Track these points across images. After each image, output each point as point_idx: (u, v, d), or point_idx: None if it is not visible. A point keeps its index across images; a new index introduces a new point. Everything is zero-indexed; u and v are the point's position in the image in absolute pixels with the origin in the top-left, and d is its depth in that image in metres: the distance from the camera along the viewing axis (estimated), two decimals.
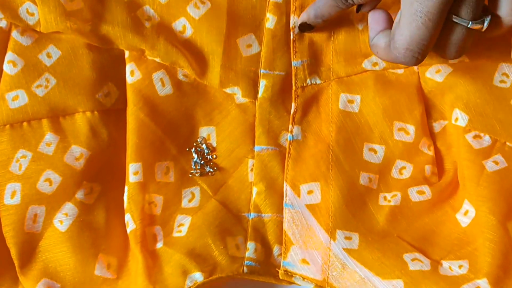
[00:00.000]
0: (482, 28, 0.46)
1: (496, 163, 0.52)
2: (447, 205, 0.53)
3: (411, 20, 0.44)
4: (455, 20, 0.45)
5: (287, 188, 0.54)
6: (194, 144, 0.55)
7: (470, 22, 0.45)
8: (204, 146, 0.55)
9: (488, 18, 0.46)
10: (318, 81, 0.56)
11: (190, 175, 0.54)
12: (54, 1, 0.52)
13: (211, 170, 0.55)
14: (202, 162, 0.55)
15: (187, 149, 0.55)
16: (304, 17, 0.54)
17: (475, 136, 0.53)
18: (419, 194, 0.53)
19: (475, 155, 0.52)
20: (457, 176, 0.53)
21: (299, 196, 0.53)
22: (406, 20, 0.45)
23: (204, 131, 0.55)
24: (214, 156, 0.55)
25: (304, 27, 0.54)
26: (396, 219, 0.53)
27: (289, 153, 0.54)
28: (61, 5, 0.52)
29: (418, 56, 0.46)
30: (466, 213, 0.52)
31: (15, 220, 0.51)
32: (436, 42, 0.46)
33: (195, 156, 0.55)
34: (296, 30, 0.55)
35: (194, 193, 0.54)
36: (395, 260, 0.50)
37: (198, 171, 0.55)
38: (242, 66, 0.55)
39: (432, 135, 0.55)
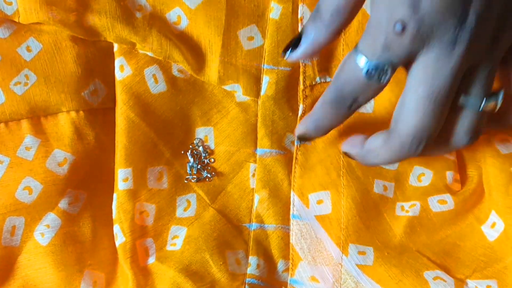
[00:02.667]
0: (496, 106, 0.42)
1: None
2: (471, 216, 0.50)
3: (417, 106, 0.40)
4: (463, 102, 0.41)
5: (294, 198, 0.50)
6: (190, 146, 0.52)
7: (484, 101, 0.41)
8: (201, 148, 0.52)
9: (501, 94, 0.41)
10: (329, 79, 0.52)
11: (186, 181, 0.52)
12: None
13: (209, 175, 0.52)
14: (198, 167, 0.52)
15: (182, 152, 0.52)
16: (302, 130, 0.48)
17: (503, 140, 0.49)
18: (441, 203, 0.50)
19: (503, 161, 0.48)
20: (482, 183, 0.50)
21: (307, 206, 0.50)
22: (412, 106, 0.40)
23: (201, 132, 0.52)
24: (212, 160, 0.52)
25: (305, 139, 0.49)
26: (415, 231, 0.49)
27: (296, 158, 0.51)
28: None
29: (425, 145, 0.41)
30: (493, 225, 0.49)
31: None
32: (442, 129, 0.42)
33: (191, 159, 0.52)
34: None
35: (190, 201, 0.52)
36: (415, 279, 0.47)
37: (195, 176, 0.52)
38: (243, 61, 0.52)
39: None
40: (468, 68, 0.39)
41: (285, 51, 0.44)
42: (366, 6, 0.50)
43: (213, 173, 0.52)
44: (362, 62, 0.39)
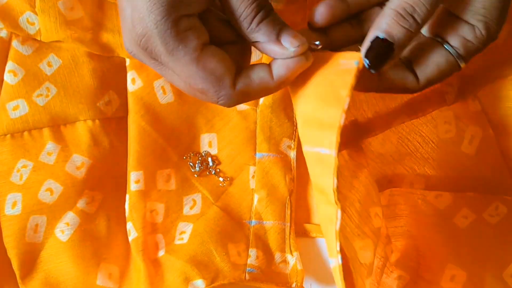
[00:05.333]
0: None
1: None
2: None
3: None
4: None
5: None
6: (199, 158, 0.53)
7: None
8: (210, 159, 0.53)
9: None
10: None
11: (196, 176, 0.53)
12: (54, 10, 0.50)
13: (218, 176, 0.54)
14: (207, 173, 0.54)
15: (184, 158, 0.53)
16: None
17: None
18: None
19: None
20: None
21: None
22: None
23: (205, 138, 0.54)
24: (218, 170, 0.53)
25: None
26: None
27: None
28: (62, 14, 0.50)
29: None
30: None
31: (16, 231, 0.50)
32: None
33: (198, 167, 0.53)
34: None
35: (195, 200, 0.53)
36: None
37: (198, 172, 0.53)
38: None
39: None
40: None
41: (375, 65, 0.37)
42: None
43: (219, 173, 0.53)
44: None
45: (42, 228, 0.50)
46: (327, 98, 0.37)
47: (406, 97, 0.50)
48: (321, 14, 0.41)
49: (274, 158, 0.53)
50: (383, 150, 0.51)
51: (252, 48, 0.40)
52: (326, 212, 0.37)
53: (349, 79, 0.36)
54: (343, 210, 0.45)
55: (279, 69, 0.38)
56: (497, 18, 0.38)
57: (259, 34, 0.37)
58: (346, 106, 0.35)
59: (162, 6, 0.35)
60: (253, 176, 0.53)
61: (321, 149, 0.37)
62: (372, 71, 0.37)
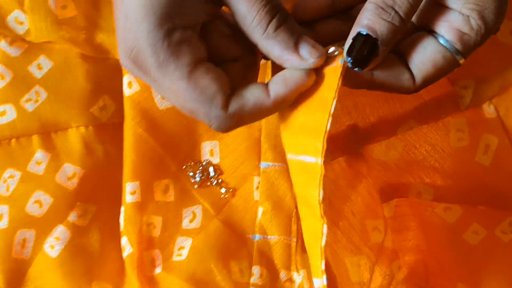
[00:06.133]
0: None
1: None
2: None
3: None
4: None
5: None
6: (200, 167, 0.51)
7: None
8: (211, 169, 0.51)
9: None
10: None
11: (196, 186, 0.51)
12: (44, 8, 0.48)
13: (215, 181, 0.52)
14: (208, 183, 0.52)
15: (184, 167, 0.51)
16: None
17: None
18: None
19: None
20: None
21: None
22: None
23: (206, 146, 0.52)
24: (220, 180, 0.52)
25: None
26: None
27: None
28: (52, 12, 0.48)
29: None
30: None
31: (2, 246, 0.48)
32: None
33: (198, 177, 0.51)
34: None
35: (195, 213, 0.51)
36: None
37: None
38: None
39: None
40: None
41: (359, 63, 0.36)
42: None
43: (221, 184, 0.51)
44: None
45: (30, 243, 0.49)
46: (311, 100, 0.35)
47: (415, 101, 0.48)
48: (303, 7, 0.39)
49: (279, 168, 0.50)
50: (386, 158, 0.49)
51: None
52: (310, 227, 0.35)
53: (335, 80, 0.34)
54: (335, 224, 0.44)
55: (277, 87, 0.35)
56: (493, 8, 0.36)
57: (276, 42, 0.35)
58: (332, 110, 0.33)
59: (154, 14, 0.33)
60: (257, 187, 0.51)
61: (305, 157, 0.35)
62: (357, 70, 0.35)
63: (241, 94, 0.35)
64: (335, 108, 0.33)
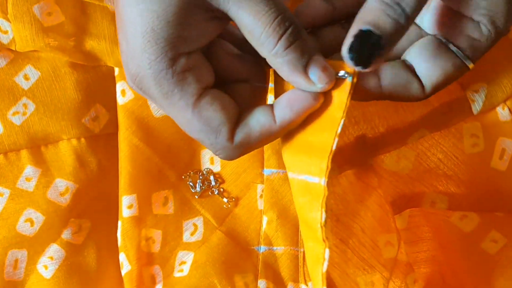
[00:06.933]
0: None
1: None
2: None
3: None
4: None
5: None
6: (200, 177, 0.50)
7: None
8: (212, 178, 0.50)
9: None
10: None
11: (197, 197, 0.50)
12: (29, 16, 0.46)
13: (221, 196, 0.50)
14: (209, 193, 0.50)
15: (183, 177, 0.50)
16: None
17: None
18: None
19: None
20: None
21: None
22: None
23: (206, 154, 0.50)
24: (222, 189, 0.50)
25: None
26: None
27: None
28: (37, 20, 0.46)
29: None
30: None
31: None
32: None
33: (198, 187, 0.50)
34: None
35: (196, 225, 0.49)
36: None
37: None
38: None
39: None
40: None
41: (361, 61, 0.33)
42: None
43: (223, 193, 0.50)
44: None
45: (22, 264, 0.47)
46: (317, 119, 0.35)
47: (425, 108, 0.47)
48: (304, 14, 0.39)
49: (284, 175, 0.49)
50: (397, 169, 0.48)
51: None
52: (312, 251, 0.34)
53: (343, 98, 0.33)
54: (345, 242, 0.43)
55: (283, 112, 0.35)
56: (503, 11, 0.36)
57: (284, 61, 0.34)
58: (339, 129, 0.33)
59: (156, 44, 0.33)
60: (261, 196, 0.49)
61: (308, 176, 0.34)
62: (358, 69, 0.33)
63: (246, 123, 0.35)
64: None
